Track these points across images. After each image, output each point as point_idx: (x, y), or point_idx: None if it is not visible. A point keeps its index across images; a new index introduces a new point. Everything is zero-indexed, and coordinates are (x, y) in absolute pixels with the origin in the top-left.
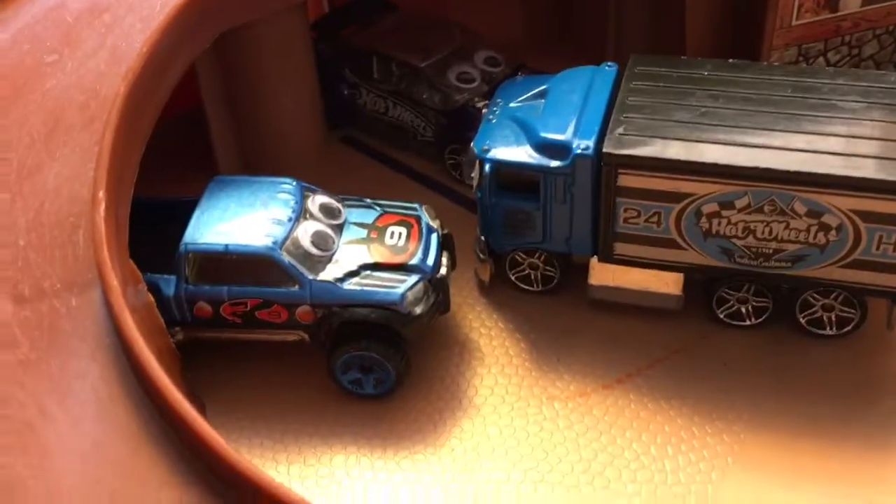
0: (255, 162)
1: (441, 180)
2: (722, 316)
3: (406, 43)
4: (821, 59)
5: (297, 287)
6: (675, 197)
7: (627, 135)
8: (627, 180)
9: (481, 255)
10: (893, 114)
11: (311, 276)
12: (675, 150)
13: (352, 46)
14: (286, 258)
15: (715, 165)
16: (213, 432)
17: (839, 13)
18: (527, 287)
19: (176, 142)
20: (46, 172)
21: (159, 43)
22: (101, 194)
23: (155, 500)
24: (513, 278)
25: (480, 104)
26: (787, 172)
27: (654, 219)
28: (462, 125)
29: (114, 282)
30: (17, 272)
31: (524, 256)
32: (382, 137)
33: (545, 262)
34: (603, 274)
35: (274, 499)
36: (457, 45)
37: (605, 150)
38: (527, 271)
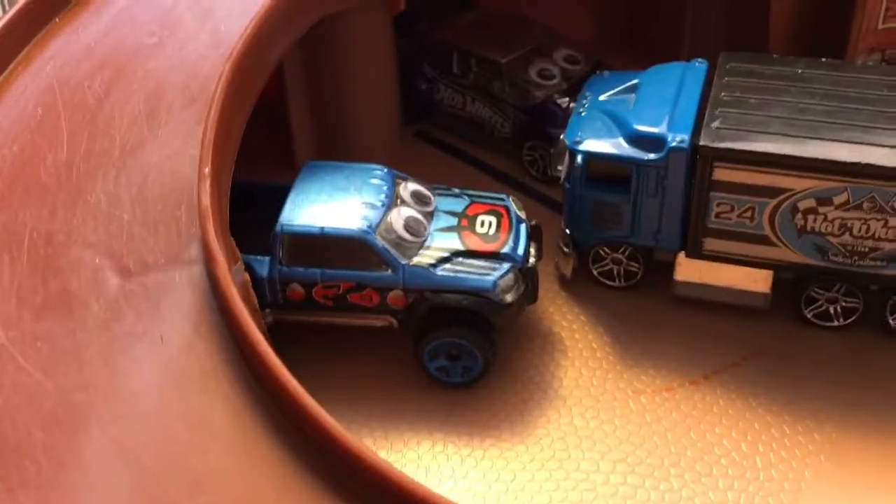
0: (331, 151)
1: (517, 177)
2: (809, 316)
3: (486, 38)
4: None
5: (390, 271)
6: (772, 192)
7: (723, 128)
8: (723, 174)
9: (565, 249)
10: None
11: (404, 261)
12: (772, 145)
13: (431, 41)
14: (380, 242)
15: (815, 160)
16: (321, 409)
17: None
18: (609, 282)
19: (253, 130)
20: (149, 150)
21: (261, 27)
22: (207, 170)
23: (259, 472)
24: (595, 273)
25: (560, 101)
26: (890, 169)
27: (748, 214)
28: (541, 122)
29: (220, 257)
30: (123, 246)
31: (608, 251)
32: (459, 133)
33: (629, 257)
34: (689, 270)
35: (394, 486)
36: (537, 42)
37: (701, 142)
38: (609, 266)
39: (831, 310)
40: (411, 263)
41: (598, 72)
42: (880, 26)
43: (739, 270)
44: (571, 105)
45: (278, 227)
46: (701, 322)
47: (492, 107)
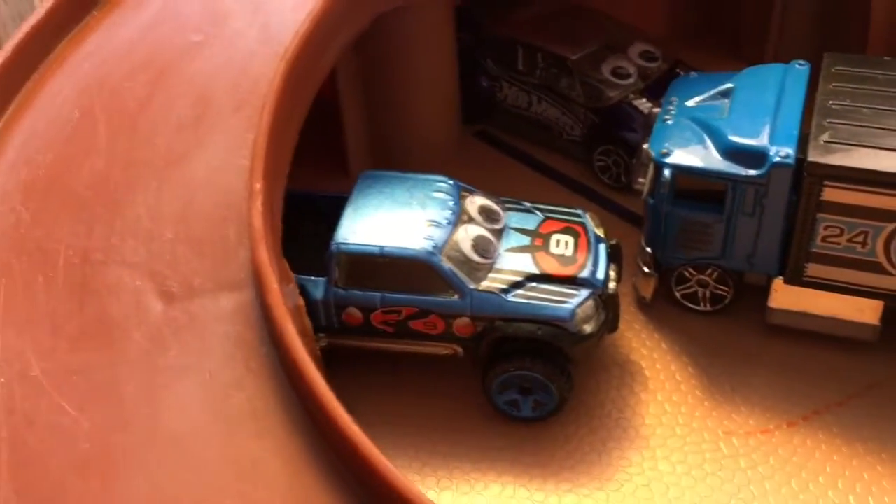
0: (386, 155)
1: (588, 184)
2: None
3: (554, 33)
4: None
5: (457, 297)
6: (889, 215)
7: (834, 142)
8: (833, 194)
9: (646, 269)
10: None
11: (472, 286)
12: (890, 161)
13: (494, 36)
14: (446, 264)
15: None
16: (386, 462)
17: None
18: (693, 306)
19: (303, 131)
20: (195, 160)
21: (319, 22)
22: (258, 186)
23: None
24: (678, 296)
25: (637, 102)
26: None
27: (860, 239)
28: (615, 124)
29: (273, 283)
30: (166, 267)
31: (693, 272)
32: (523, 134)
33: (717, 279)
34: (787, 297)
35: None
36: (609, 38)
37: (810, 158)
38: (694, 289)
39: None
40: (480, 288)
41: (679, 71)
42: None
43: (844, 299)
44: (649, 107)
45: (334, 246)
46: (801, 355)
47: (560, 107)
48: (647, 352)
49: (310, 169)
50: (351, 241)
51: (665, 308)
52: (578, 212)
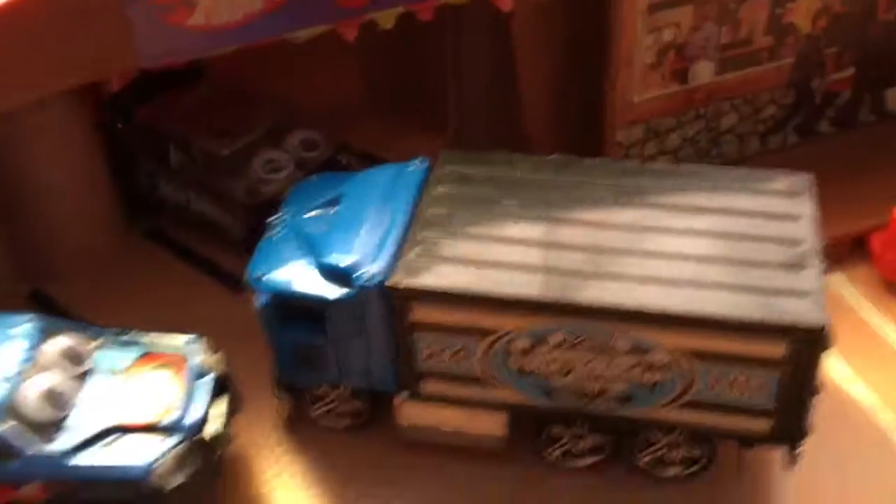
0: (36, 268)
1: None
2: (555, 457)
3: (208, 124)
4: (674, 134)
5: (17, 463)
6: (480, 332)
7: (421, 258)
8: (422, 314)
9: (276, 391)
10: (727, 223)
11: (33, 450)
12: (467, 279)
13: (147, 127)
14: (1, 427)
15: (515, 298)
16: None
17: (690, 85)
18: (333, 425)
19: None
20: None
21: None
22: None
23: None
24: (315, 415)
25: None
26: (601, 306)
27: (461, 355)
28: None
29: None
30: None
31: (328, 390)
32: (190, 231)
33: (352, 395)
34: (413, 412)
35: None
36: (269, 127)
37: (390, 280)
38: (332, 405)
39: (576, 448)
40: (44, 451)
41: (342, 158)
42: (637, 99)
43: (469, 411)
44: None
45: None
46: (441, 469)
47: (219, 205)
48: (286, 479)
49: None
50: None
51: (310, 428)
52: (189, 338)
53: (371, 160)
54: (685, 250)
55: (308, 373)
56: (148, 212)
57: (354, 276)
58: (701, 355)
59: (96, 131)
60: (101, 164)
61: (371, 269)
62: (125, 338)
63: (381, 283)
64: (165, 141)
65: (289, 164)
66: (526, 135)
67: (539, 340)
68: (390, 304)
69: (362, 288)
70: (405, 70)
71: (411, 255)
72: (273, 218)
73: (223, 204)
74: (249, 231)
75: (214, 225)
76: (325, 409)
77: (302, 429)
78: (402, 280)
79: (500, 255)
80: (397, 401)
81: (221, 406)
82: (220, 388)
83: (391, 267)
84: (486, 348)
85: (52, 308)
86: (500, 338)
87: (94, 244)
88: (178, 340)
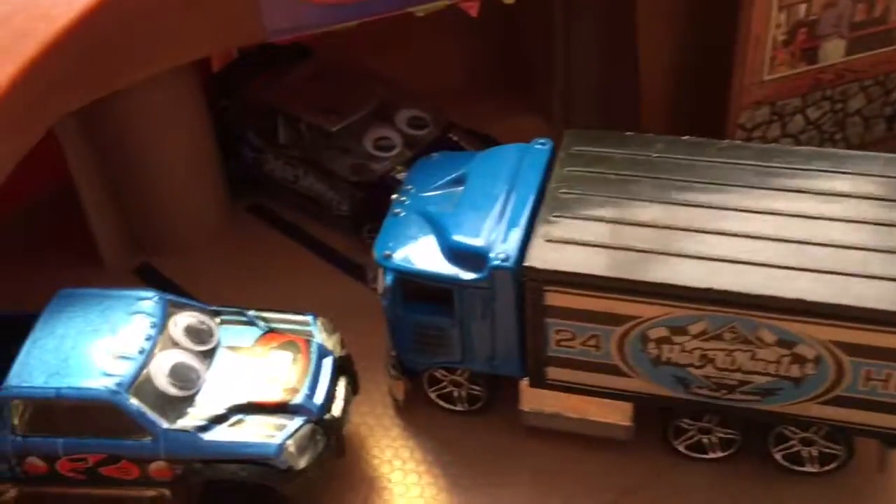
0: (146, 242)
1: (359, 261)
2: (681, 448)
3: (316, 100)
4: (798, 116)
5: (148, 439)
6: (616, 319)
7: (556, 241)
8: (556, 298)
9: (393, 372)
10: (887, 212)
11: (165, 425)
12: (607, 264)
13: (255, 103)
14: (134, 403)
15: (658, 285)
16: None
17: (819, 64)
18: (450, 406)
19: (49, 229)
20: None
21: None
22: None
23: None
24: (433, 397)
25: (402, 176)
26: (749, 296)
27: (593, 342)
28: (381, 200)
29: None
30: None
31: (445, 373)
32: (294, 209)
33: (469, 379)
34: (537, 398)
35: None
36: (376, 103)
37: (526, 262)
38: (449, 388)
39: (705, 441)
40: (175, 427)
41: (451, 136)
42: (766, 77)
43: (594, 400)
44: None
45: (4, 390)
46: (556, 458)
47: (326, 182)
48: (399, 463)
49: (64, 264)
50: (24, 382)
51: (423, 410)
52: (307, 319)
53: (481, 140)
54: (838, 238)
55: (429, 355)
56: (251, 188)
57: (487, 257)
58: (854, 349)
59: (206, 109)
60: (210, 140)
61: (504, 251)
62: (245, 316)
63: (516, 265)
64: (273, 117)
65: (398, 142)
66: (638, 115)
67: (679, 329)
68: (523, 287)
69: (495, 270)
70: (508, 49)
71: (545, 237)
72: (396, 196)
73: (330, 181)
74: (356, 209)
75: (320, 202)
76: (441, 392)
77: (416, 411)
78: (539, 263)
79: (638, 240)
80: (522, 385)
81: (342, 387)
82: (340, 369)
83: (525, 249)
84: (621, 336)
85: (159, 281)
86: (637, 325)
87: (200, 220)
88: (298, 320)
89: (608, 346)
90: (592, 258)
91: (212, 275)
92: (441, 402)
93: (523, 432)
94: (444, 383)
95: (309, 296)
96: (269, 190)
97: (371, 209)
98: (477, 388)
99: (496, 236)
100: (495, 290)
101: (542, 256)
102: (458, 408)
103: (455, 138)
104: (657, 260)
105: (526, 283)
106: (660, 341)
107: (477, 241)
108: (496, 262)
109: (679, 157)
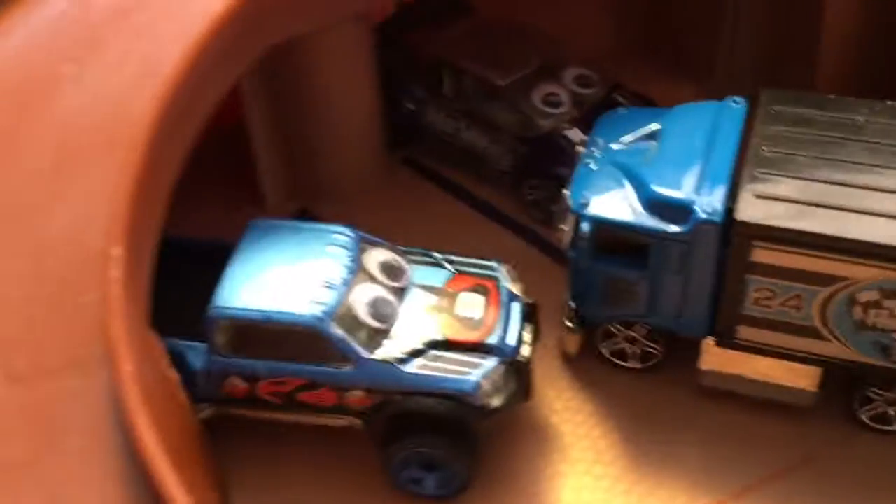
0: (304, 184)
1: (517, 219)
2: (865, 418)
3: (484, 54)
4: None
5: (349, 367)
6: (825, 279)
7: (765, 197)
8: (764, 255)
9: (570, 324)
10: None
11: (366, 355)
12: (827, 223)
13: (419, 55)
14: (338, 331)
15: (876, 245)
16: None
17: None
18: (622, 363)
19: (212, 162)
20: (54, 212)
21: (200, 55)
22: (116, 252)
23: None
24: (605, 352)
25: (569, 133)
26: None
27: (794, 303)
28: (546, 157)
29: (127, 367)
30: (12, 342)
31: (620, 328)
32: (451, 163)
33: (646, 336)
34: (719, 358)
35: None
36: (543, 60)
37: (738, 217)
38: (622, 345)
39: (891, 412)
40: (375, 358)
41: (617, 97)
42: None
43: (780, 363)
44: (582, 138)
45: (213, 311)
46: (732, 421)
47: (489, 136)
48: (569, 415)
49: (223, 203)
50: (232, 304)
51: (592, 365)
52: (493, 265)
53: (644, 102)
54: None
55: (612, 308)
56: (408, 141)
57: (692, 210)
58: None
59: (374, 60)
60: (376, 92)
61: (710, 205)
62: (432, 258)
63: (725, 218)
64: (439, 69)
65: (566, 99)
66: (809, 83)
67: (893, 293)
68: (727, 241)
69: (701, 223)
70: (659, 11)
71: (753, 193)
72: (585, 149)
73: (493, 135)
74: (518, 164)
75: (480, 156)
76: (616, 347)
77: (584, 367)
78: (751, 217)
79: (851, 201)
80: (705, 344)
81: (529, 332)
82: (525, 316)
83: (731, 203)
84: (827, 298)
85: None
86: (846, 287)
87: (360, 169)
88: (485, 265)
89: (810, 307)
90: (805, 216)
91: (368, 224)
92: (612, 359)
93: (695, 393)
94: (618, 339)
95: (465, 250)
96: (426, 143)
97: (533, 165)
98: (653, 345)
99: (699, 190)
100: (697, 244)
101: (753, 211)
102: (629, 365)
103: (620, 98)
104: (873, 222)
105: (734, 237)
106: (868, 305)
107: (680, 194)
108: (702, 216)
109: (885, 120)
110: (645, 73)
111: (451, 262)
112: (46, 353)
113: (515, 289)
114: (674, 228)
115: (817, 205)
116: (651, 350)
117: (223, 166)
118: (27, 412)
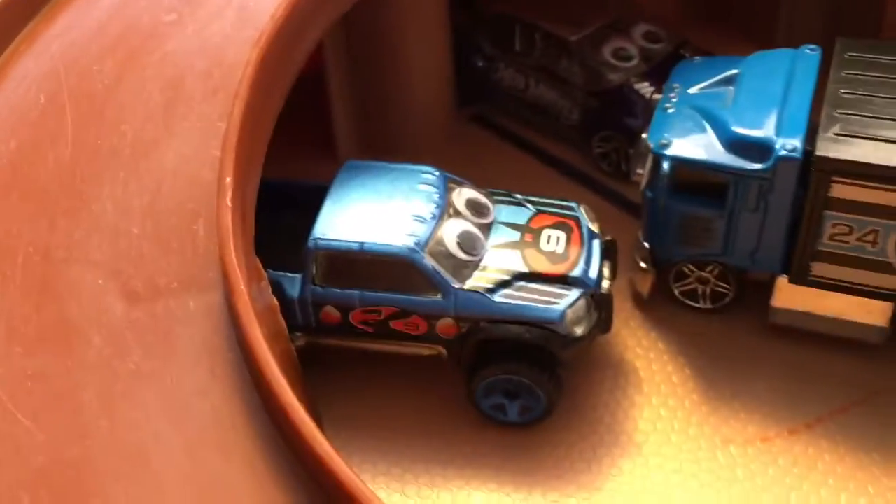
0: (376, 138)
1: (586, 171)
2: None
3: (554, 11)
4: None
5: (440, 296)
6: None
7: (844, 135)
8: (842, 190)
9: (643, 265)
10: None
11: (456, 285)
12: None
13: (490, 12)
14: (429, 262)
15: None
16: (354, 478)
17: None
18: (693, 304)
19: (290, 112)
20: (164, 150)
21: (296, 4)
22: (229, 180)
23: None
24: (677, 293)
25: (639, 86)
26: None
27: (870, 238)
28: (616, 109)
29: (241, 286)
30: (131, 265)
31: (693, 269)
32: (520, 118)
33: (718, 276)
34: (791, 296)
35: None
36: (612, 17)
37: (818, 152)
38: (694, 286)
39: None
40: (465, 287)
41: (684, 53)
42: None
43: (851, 300)
44: (651, 91)
45: (311, 242)
46: (804, 357)
47: (559, 90)
48: (642, 352)
49: (295, 153)
50: (329, 236)
51: (663, 305)
52: (572, 205)
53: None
54: None
55: (688, 247)
56: (476, 98)
57: (773, 148)
58: None
59: (448, 18)
60: (448, 49)
61: (790, 142)
62: (515, 197)
63: (805, 155)
64: (509, 25)
65: (636, 53)
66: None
67: None
68: (806, 178)
69: (782, 160)
70: None
71: (831, 131)
72: (664, 93)
73: (563, 89)
74: (587, 118)
75: (549, 111)
76: (688, 287)
77: (655, 306)
78: (831, 153)
79: None
80: (778, 282)
81: (607, 268)
82: (604, 253)
83: (811, 142)
84: None
85: None
86: None
87: (431, 126)
88: (564, 205)
89: (886, 241)
90: (884, 152)
91: None
92: (683, 299)
93: (764, 332)
94: (690, 280)
95: None
96: (494, 99)
97: (603, 119)
98: (725, 285)
99: (780, 129)
100: (776, 181)
101: (833, 148)
102: (700, 305)
103: (687, 54)
104: None
105: (814, 173)
106: None
107: (761, 133)
108: (783, 153)
109: None
110: (706, 37)
111: (531, 202)
112: (163, 276)
113: (594, 227)
114: (754, 166)
115: (893, 141)
116: (722, 290)
117: (298, 117)
118: (147, 328)
